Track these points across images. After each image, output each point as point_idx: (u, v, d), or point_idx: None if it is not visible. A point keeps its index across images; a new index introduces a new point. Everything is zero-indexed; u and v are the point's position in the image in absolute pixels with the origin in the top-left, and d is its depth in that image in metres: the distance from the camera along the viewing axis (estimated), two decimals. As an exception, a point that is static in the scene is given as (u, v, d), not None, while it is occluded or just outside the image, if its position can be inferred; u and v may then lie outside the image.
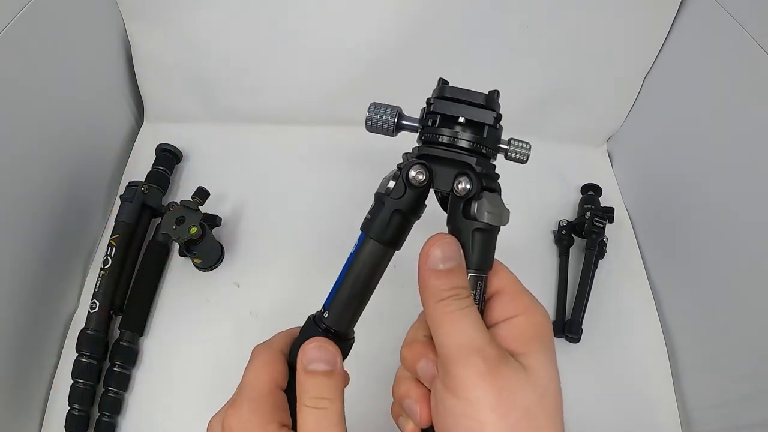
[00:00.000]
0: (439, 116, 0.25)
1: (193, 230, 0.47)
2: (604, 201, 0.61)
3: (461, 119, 0.25)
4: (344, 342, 0.26)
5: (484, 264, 0.24)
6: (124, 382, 0.47)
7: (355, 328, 0.28)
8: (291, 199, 0.60)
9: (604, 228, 0.55)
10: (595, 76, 0.61)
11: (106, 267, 0.49)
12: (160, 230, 0.50)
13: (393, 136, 0.28)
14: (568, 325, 0.51)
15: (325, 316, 0.26)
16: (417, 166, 0.24)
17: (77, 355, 0.46)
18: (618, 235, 0.59)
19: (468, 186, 0.24)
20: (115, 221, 0.52)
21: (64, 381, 0.46)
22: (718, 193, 0.49)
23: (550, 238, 0.59)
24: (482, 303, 0.24)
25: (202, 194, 0.51)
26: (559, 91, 0.63)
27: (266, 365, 0.25)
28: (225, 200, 0.59)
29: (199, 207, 0.49)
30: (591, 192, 0.61)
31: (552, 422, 0.21)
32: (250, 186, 0.60)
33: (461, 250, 0.23)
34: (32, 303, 0.45)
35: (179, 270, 0.54)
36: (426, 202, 0.26)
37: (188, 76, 0.61)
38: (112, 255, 0.50)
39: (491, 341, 0.22)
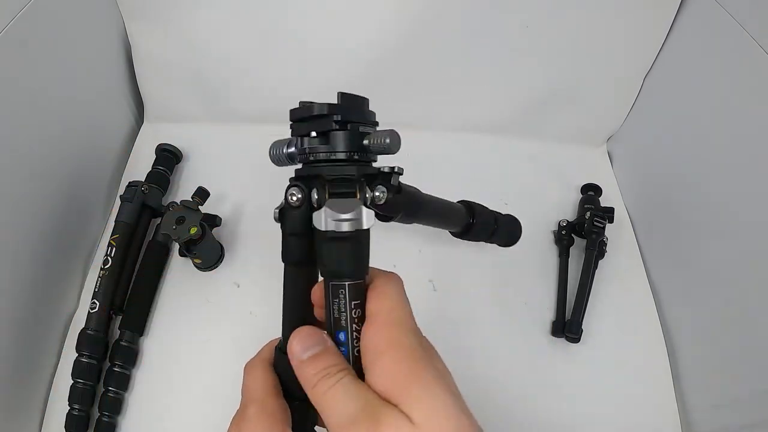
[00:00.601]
0: (297, 138, 0.27)
1: (193, 230, 0.47)
2: (604, 201, 0.61)
3: (312, 133, 0.26)
4: None
5: (341, 273, 0.24)
6: (124, 382, 0.47)
7: None
8: (291, 199, 0.60)
9: (604, 228, 0.55)
10: (595, 76, 0.61)
11: (106, 267, 0.49)
12: (160, 230, 0.50)
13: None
14: (568, 325, 0.51)
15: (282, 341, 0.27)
16: (292, 188, 0.25)
17: (77, 355, 0.46)
18: (618, 235, 0.59)
19: (316, 196, 0.24)
20: (115, 221, 0.52)
21: (64, 381, 0.46)
22: (718, 193, 0.49)
23: (550, 238, 0.59)
24: (349, 311, 0.24)
25: (202, 194, 0.51)
26: (559, 91, 0.63)
27: (261, 374, 0.27)
28: (225, 200, 0.59)
29: (199, 207, 0.49)
30: (591, 192, 0.61)
31: None
32: (250, 186, 0.60)
33: (322, 334, 0.24)
34: (32, 303, 0.45)
35: (179, 270, 0.54)
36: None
37: (188, 76, 0.61)
38: (112, 255, 0.50)
39: (366, 404, 0.21)
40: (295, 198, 0.25)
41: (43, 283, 0.47)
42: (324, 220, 0.24)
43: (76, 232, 0.52)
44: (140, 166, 0.60)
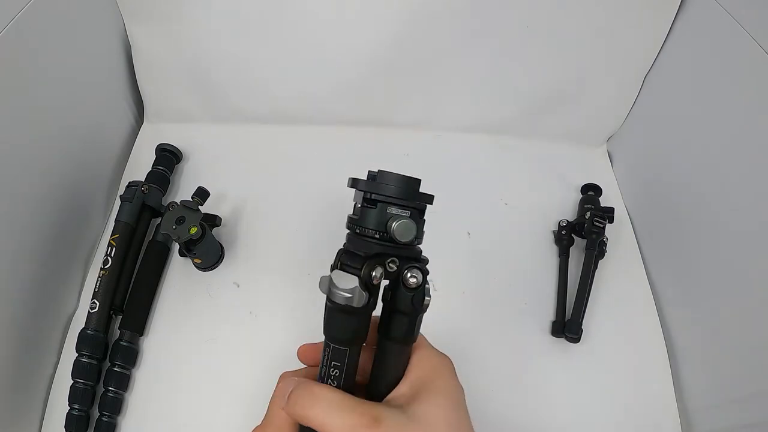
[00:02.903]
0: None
1: (193, 230, 0.47)
2: (604, 201, 0.61)
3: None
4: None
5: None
6: (124, 382, 0.47)
7: None
8: (291, 199, 0.60)
9: (604, 228, 0.55)
10: (595, 76, 0.61)
11: (106, 267, 0.49)
12: (160, 230, 0.49)
13: None
14: (568, 325, 0.51)
15: None
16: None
17: (77, 355, 0.46)
18: (618, 235, 0.59)
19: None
20: (115, 221, 0.52)
21: (64, 381, 0.46)
22: (718, 192, 0.49)
23: (550, 238, 0.59)
24: (345, 370, 0.25)
25: (202, 194, 0.51)
26: (559, 91, 0.63)
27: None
28: (225, 200, 0.59)
29: (199, 207, 0.49)
30: (591, 192, 0.61)
31: None
32: (250, 186, 0.60)
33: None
34: (32, 303, 0.45)
35: (179, 270, 0.54)
36: None
37: (188, 76, 0.61)
38: (112, 255, 0.50)
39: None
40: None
41: (43, 283, 0.47)
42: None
43: (76, 232, 0.52)
44: (140, 166, 0.60)
